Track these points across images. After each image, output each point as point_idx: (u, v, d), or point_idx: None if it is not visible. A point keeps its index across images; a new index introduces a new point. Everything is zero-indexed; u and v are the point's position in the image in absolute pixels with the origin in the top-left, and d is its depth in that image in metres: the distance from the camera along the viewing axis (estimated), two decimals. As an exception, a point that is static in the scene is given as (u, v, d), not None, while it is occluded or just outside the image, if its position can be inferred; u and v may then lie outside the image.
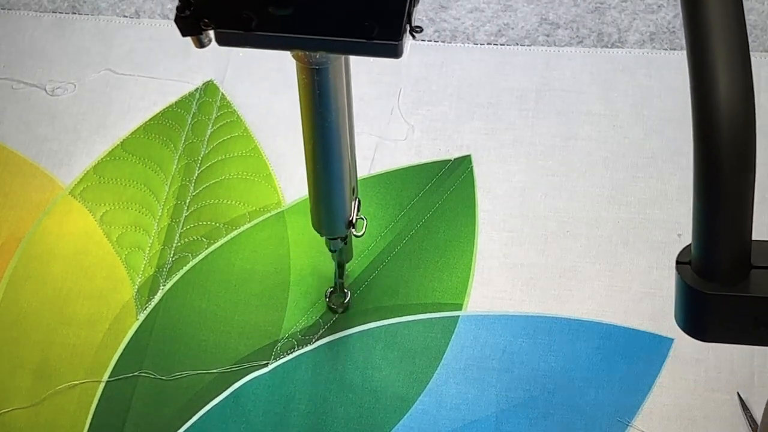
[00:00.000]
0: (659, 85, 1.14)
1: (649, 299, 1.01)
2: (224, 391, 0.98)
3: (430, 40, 1.19)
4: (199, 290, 1.04)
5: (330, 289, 1.01)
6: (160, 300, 1.04)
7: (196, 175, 1.11)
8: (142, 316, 1.03)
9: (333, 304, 1.01)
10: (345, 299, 1.01)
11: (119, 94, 1.18)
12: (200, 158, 1.12)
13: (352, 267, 1.04)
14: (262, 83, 1.17)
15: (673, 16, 1.18)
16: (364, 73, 1.15)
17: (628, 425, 0.94)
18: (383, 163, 1.10)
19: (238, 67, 1.18)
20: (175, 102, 1.16)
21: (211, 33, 0.72)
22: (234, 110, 1.15)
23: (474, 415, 0.95)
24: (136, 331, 1.02)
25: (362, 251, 1.05)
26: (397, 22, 0.68)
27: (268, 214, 1.08)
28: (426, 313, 1.01)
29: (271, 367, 0.99)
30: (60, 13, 1.24)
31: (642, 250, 1.04)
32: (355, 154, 0.88)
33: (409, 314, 1.01)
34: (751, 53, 0.54)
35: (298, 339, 1.00)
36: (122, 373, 0.99)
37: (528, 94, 1.14)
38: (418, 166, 1.10)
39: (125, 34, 1.22)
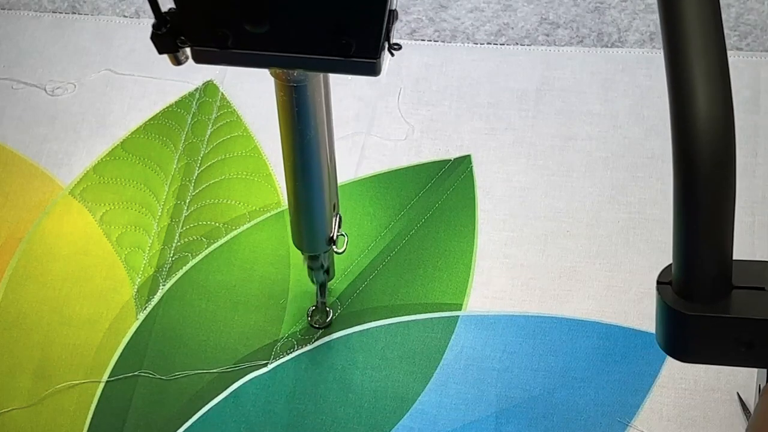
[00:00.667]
0: (659, 85, 1.14)
1: (649, 299, 1.01)
2: (224, 391, 0.98)
3: (430, 40, 1.19)
4: (199, 290, 1.04)
5: (312, 308, 1.01)
6: (160, 300, 1.04)
7: (196, 174, 1.11)
8: (142, 316, 1.03)
9: (315, 323, 1.01)
10: (327, 317, 1.01)
11: (119, 94, 1.18)
12: (200, 158, 1.12)
13: (352, 267, 1.04)
14: (262, 83, 1.17)
15: (673, 16, 1.18)
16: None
17: (627, 425, 0.94)
18: (383, 163, 1.11)
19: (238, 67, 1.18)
20: (175, 102, 1.16)
21: (188, 50, 0.71)
22: (234, 110, 1.15)
23: (474, 415, 0.95)
24: (135, 331, 1.02)
25: (362, 251, 1.05)
26: (374, 39, 0.68)
27: (268, 214, 1.08)
28: (426, 313, 1.01)
29: (270, 367, 0.99)
30: (60, 13, 1.24)
31: (642, 250, 1.04)
32: (335, 170, 0.88)
33: (409, 314, 1.01)
34: (751, 53, 0.54)
35: (297, 339, 1.00)
36: (122, 373, 0.99)
37: (528, 94, 1.14)
38: (418, 166, 1.10)
39: (125, 34, 1.22)
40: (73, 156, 1.14)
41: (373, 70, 0.69)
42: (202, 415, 0.97)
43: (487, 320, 1.00)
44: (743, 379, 0.96)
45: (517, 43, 1.18)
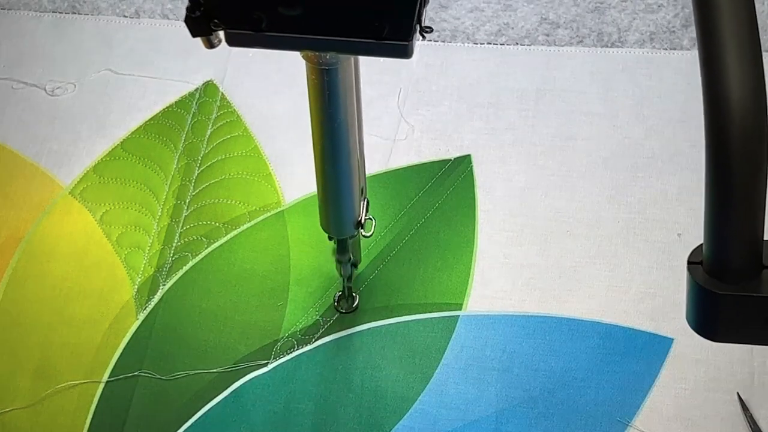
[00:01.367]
0: (659, 85, 1.14)
1: (649, 299, 1.01)
2: (224, 390, 0.98)
3: (430, 40, 1.19)
4: (199, 290, 1.04)
5: (339, 293, 1.01)
6: (160, 300, 1.04)
7: (195, 174, 1.11)
8: (142, 316, 1.03)
9: (342, 309, 1.01)
10: (354, 303, 1.01)
11: (119, 94, 1.18)
12: (200, 158, 1.12)
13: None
14: (262, 83, 1.17)
15: (673, 15, 1.18)
16: (364, 74, 1.15)
17: (627, 425, 0.94)
18: (383, 163, 1.11)
19: (238, 67, 1.18)
20: (175, 102, 1.16)
21: (221, 33, 0.71)
22: (234, 110, 1.15)
23: (474, 415, 0.95)
24: (135, 331, 1.02)
25: (362, 251, 1.05)
26: (407, 22, 0.68)
27: (268, 214, 1.08)
28: (426, 313, 1.01)
29: (270, 366, 0.99)
30: (60, 13, 1.24)
31: (642, 250, 1.04)
32: (363, 155, 0.88)
33: (409, 314, 1.01)
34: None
35: (298, 339, 1.00)
36: (122, 373, 0.99)
37: (528, 94, 1.14)
38: (418, 166, 1.10)
39: (125, 34, 1.22)
40: (73, 156, 1.13)
41: (405, 52, 0.69)
42: (202, 415, 0.97)
43: (487, 320, 1.00)
44: (743, 378, 0.96)
45: (517, 43, 1.18)
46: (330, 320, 1.01)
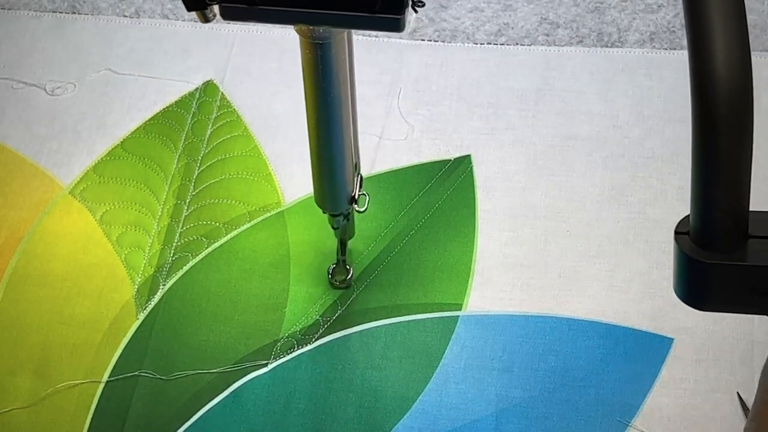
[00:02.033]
0: (659, 85, 1.14)
1: (649, 299, 1.01)
2: (224, 390, 0.98)
3: (430, 40, 1.19)
4: (199, 290, 1.04)
5: (333, 266, 1.02)
6: (160, 300, 1.04)
7: (195, 174, 1.11)
8: (142, 316, 1.03)
9: (336, 281, 1.02)
10: (347, 276, 1.02)
11: (119, 94, 1.18)
12: (200, 158, 1.12)
13: (353, 267, 1.04)
14: (262, 83, 1.17)
15: (673, 15, 1.18)
16: (364, 74, 1.15)
17: (627, 425, 0.94)
18: (383, 163, 1.10)
19: (238, 67, 1.19)
20: (175, 102, 1.16)
21: (216, 8, 0.72)
22: (234, 110, 1.15)
23: (474, 415, 0.95)
24: (135, 331, 1.02)
25: (362, 251, 1.05)
26: None
27: (268, 214, 1.08)
28: (426, 313, 1.01)
29: (270, 366, 0.99)
30: (60, 13, 1.24)
31: (642, 250, 1.04)
32: (357, 131, 0.88)
33: (409, 314, 1.01)
34: (751, 53, 0.54)
35: (297, 339, 1.00)
36: (122, 373, 0.99)
37: (528, 94, 1.14)
38: (418, 166, 1.10)
39: (125, 34, 1.22)
40: (73, 156, 1.13)
41: (397, 26, 0.69)
42: (202, 415, 0.97)
43: (487, 320, 1.00)
44: (743, 378, 0.96)
45: (517, 43, 1.18)
46: (330, 320, 1.01)
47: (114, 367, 1.00)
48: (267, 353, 1.00)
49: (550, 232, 1.05)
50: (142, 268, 1.05)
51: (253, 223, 1.08)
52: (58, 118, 1.16)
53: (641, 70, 1.15)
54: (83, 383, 0.99)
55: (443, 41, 1.19)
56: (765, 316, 0.98)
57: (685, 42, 1.20)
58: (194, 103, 1.16)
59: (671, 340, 0.98)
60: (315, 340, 1.00)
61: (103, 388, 0.99)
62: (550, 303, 1.01)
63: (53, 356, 1.01)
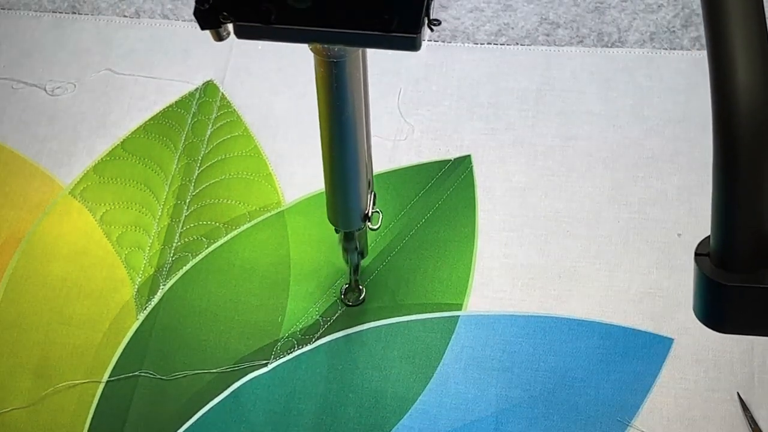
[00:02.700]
0: (659, 85, 1.14)
1: (649, 299, 1.01)
2: (224, 390, 0.98)
3: (430, 40, 1.19)
4: (199, 290, 1.04)
5: (345, 286, 1.02)
6: (160, 300, 1.04)
7: (196, 174, 1.11)
8: (142, 316, 1.03)
9: (348, 301, 1.02)
10: (360, 295, 1.02)
11: (119, 94, 1.18)
12: (200, 158, 1.12)
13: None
14: (262, 83, 1.17)
15: (673, 15, 1.18)
16: (364, 73, 1.15)
17: (627, 425, 0.94)
18: (383, 163, 1.10)
19: (238, 67, 1.18)
20: (175, 102, 1.16)
21: (230, 26, 0.72)
22: (234, 110, 1.15)
23: (474, 415, 0.95)
24: (136, 331, 1.02)
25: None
26: (415, 14, 0.69)
27: (268, 214, 1.08)
28: (426, 313, 1.01)
29: (270, 366, 0.99)
30: (60, 13, 1.24)
31: (642, 250, 1.04)
32: (371, 148, 0.88)
33: (409, 314, 1.01)
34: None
35: (298, 339, 1.00)
36: (122, 373, 0.99)
37: (528, 94, 1.14)
38: (418, 166, 1.10)
39: (125, 34, 1.22)
40: (73, 156, 1.13)
41: (413, 45, 0.69)
42: (202, 415, 0.97)
43: (487, 320, 1.00)
44: (743, 378, 0.96)
45: (517, 43, 1.18)
46: (330, 320, 1.01)
47: (114, 367, 1.00)
48: (267, 353, 1.00)
49: (550, 232, 1.05)
50: (142, 268, 1.05)
51: (253, 223, 1.08)
52: (58, 118, 1.16)
53: (641, 70, 1.15)
54: (83, 383, 0.99)
55: (443, 41, 1.19)
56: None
57: (685, 42, 1.21)
58: (194, 103, 1.16)
59: (671, 340, 0.98)
60: (315, 340, 1.00)
61: (103, 388, 0.99)
62: (550, 303, 1.01)
63: (53, 356, 1.01)
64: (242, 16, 0.70)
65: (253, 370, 0.99)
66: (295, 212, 1.08)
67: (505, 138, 1.12)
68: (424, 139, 1.12)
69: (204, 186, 1.10)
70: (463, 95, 1.15)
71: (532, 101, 1.14)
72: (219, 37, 0.72)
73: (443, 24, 1.20)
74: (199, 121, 1.15)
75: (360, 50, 0.78)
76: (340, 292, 1.02)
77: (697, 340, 0.98)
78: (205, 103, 1.16)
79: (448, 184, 1.09)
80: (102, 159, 1.13)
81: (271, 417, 0.96)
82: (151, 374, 0.99)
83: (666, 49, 1.16)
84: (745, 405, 0.94)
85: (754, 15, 0.53)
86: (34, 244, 1.08)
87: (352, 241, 0.94)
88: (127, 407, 0.98)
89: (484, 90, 1.15)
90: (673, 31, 1.17)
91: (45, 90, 1.19)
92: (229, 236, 1.07)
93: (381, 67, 1.16)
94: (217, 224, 1.08)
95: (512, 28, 1.19)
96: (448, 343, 0.99)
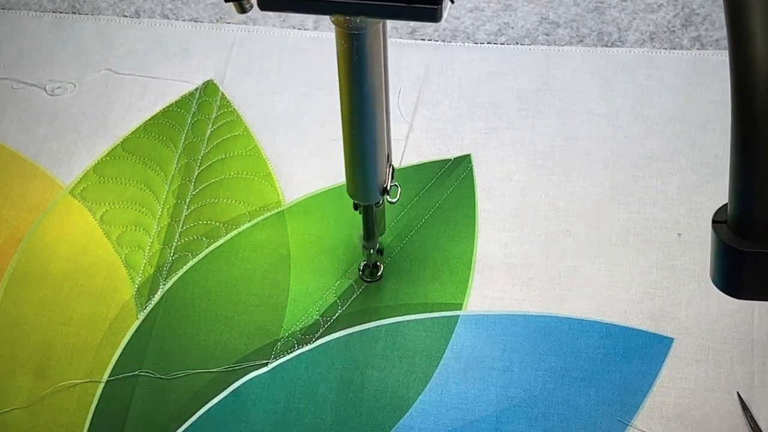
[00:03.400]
0: (659, 85, 1.14)
1: (649, 299, 1.01)
2: (224, 390, 0.98)
3: (430, 40, 1.19)
4: (199, 290, 1.04)
5: (363, 262, 1.03)
6: (160, 299, 1.04)
7: (196, 174, 1.11)
8: (142, 316, 1.03)
9: (367, 278, 1.03)
10: (379, 272, 1.03)
11: (119, 94, 1.18)
12: (200, 157, 1.12)
13: (353, 267, 1.04)
14: (262, 83, 1.17)
15: (673, 15, 1.18)
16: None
17: (627, 425, 0.94)
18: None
19: (238, 67, 1.18)
20: (175, 102, 1.16)
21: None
22: (234, 110, 1.15)
23: (474, 415, 0.95)
24: (136, 331, 1.02)
25: (362, 251, 1.05)
26: None
27: (268, 214, 1.08)
28: (426, 313, 1.01)
29: (270, 366, 0.99)
30: (60, 13, 1.24)
31: (642, 250, 1.04)
32: (390, 121, 0.89)
33: (409, 314, 1.01)
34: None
35: (298, 338, 1.00)
36: (122, 372, 0.99)
37: (528, 93, 1.14)
38: (418, 165, 1.10)
39: (125, 34, 1.22)
40: (73, 156, 1.13)
41: (434, 15, 0.70)
42: (202, 415, 0.97)
43: (487, 320, 1.00)
44: (743, 378, 0.96)
45: (517, 43, 1.18)
46: (330, 320, 1.01)
47: (114, 366, 1.00)
48: (267, 353, 1.00)
49: (550, 232, 1.05)
50: (142, 268, 1.05)
51: (253, 222, 1.08)
52: (58, 118, 1.16)
53: (641, 70, 1.15)
54: (83, 383, 0.99)
55: (443, 41, 1.19)
56: (765, 317, 0.99)
57: (684, 42, 1.21)
58: (194, 103, 1.16)
59: (671, 340, 0.98)
60: (315, 340, 1.00)
61: (103, 388, 0.99)
62: (550, 303, 1.01)
63: (53, 356, 1.01)
64: None
65: (253, 370, 0.99)
66: (295, 212, 1.08)
67: (505, 137, 1.12)
68: (424, 138, 1.12)
69: (204, 185, 1.10)
70: (463, 95, 1.15)
71: (532, 101, 1.14)
72: (242, 9, 0.73)
73: (443, 24, 1.20)
74: (199, 121, 1.15)
75: (381, 23, 0.78)
76: (358, 268, 1.03)
77: (697, 339, 0.98)
78: (205, 103, 1.16)
79: (448, 183, 1.09)
80: (102, 159, 1.13)
81: (271, 417, 0.96)
82: (151, 374, 0.99)
83: (666, 48, 1.16)
84: (745, 405, 0.94)
85: None
86: (34, 244, 1.08)
87: (371, 215, 0.95)
88: (127, 407, 0.98)
89: (484, 90, 1.15)
90: (673, 31, 1.17)
91: (45, 90, 1.19)
92: (229, 236, 1.07)
93: (381, 67, 1.16)
94: (217, 224, 1.08)
95: (512, 28, 1.19)
96: (448, 343, 0.99)
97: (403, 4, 0.69)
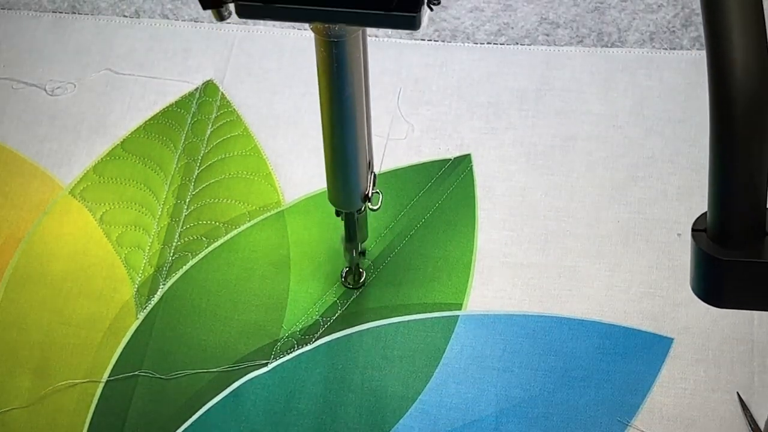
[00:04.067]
0: (659, 85, 1.14)
1: (649, 299, 1.01)
2: (224, 390, 0.98)
3: (430, 40, 1.19)
4: (199, 290, 1.04)
5: (346, 269, 1.02)
6: (160, 299, 1.04)
7: (195, 174, 1.11)
8: (141, 316, 1.03)
9: (349, 284, 1.02)
10: (361, 278, 1.02)
11: (119, 94, 1.18)
12: (200, 157, 1.12)
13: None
14: (262, 83, 1.17)
15: (672, 15, 1.18)
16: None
17: (627, 425, 0.94)
18: (383, 163, 1.10)
19: (238, 67, 1.19)
20: (175, 102, 1.16)
21: (232, 6, 0.72)
22: (234, 110, 1.15)
23: (474, 415, 0.95)
24: (135, 331, 1.02)
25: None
26: None
27: (268, 214, 1.08)
28: (426, 312, 1.01)
29: (270, 366, 0.99)
30: (60, 13, 1.24)
31: (642, 250, 1.04)
32: (371, 128, 0.89)
33: (409, 314, 1.01)
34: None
35: (297, 338, 1.00)
36: (122, 372, 0.99)
37: (528, 93, 1.14)
38: (418, 165, 1.10)
39: (125, 34, 1.22)
40: (73, 156, 1.13)
41: (412, 23, 0.70)
42: (202, 415, 0.97)
43: (487, 320, 1.00)
44: (743, 378, 0.96)
45: (517, 43, 1.18)
46: (330, 320, 1.01)
47: (114, 366, 1.00)
48: (267, 353, 1.00)
49: (550, 232, 1.05)
50: (142, 268, 1.05)
51: (253, 222, 1.08)
52: (58, 118, 1.16)
53: (641, 70, 1.15)
54: (83, 383, 0.99)
55: (443, 41, 1.19)
56: (766, 317, 0.99)
57: (684, 42, 1.21)
58: (194, 103, 1.16)
59: (671, 340, 0.98)
60: (315, 340, 1.00)
61: (103, 388, 0.99)
62: (550, 303, 1.01)
63: (53, 356, 1.01)
64: None
65: (253, 370, 0.99)
66: (295, 212, 1.08)
67: (505, 137, 1.12)
68: (424, 138, 1.12)
69: (204, 185, 1.10)
70: (463, 95, 1.15)
71: (532, 101, 1.14)
72: (220, 17, 0.73)
73: (443, 24, 1.20)
74: (199, 121, 1.15)
75: (360, 30, 0.78)
76: (341, 275, 1.02)
77: (697, 340, 0.98)
78: (205, 103, 1.16)
79: (448, 183, 1.09)
80: (102, 159, 1.13)
81: (271, 417, 0.96)
82: (150, 374, 0.99)
83: (666, 49, 1.16)
84: (745, 405, 0.94)
85: None
86: (34, 244, 1.08)
87: (353, 222, 0.95)
88: (126, 407, 0.98)
89: (484, 90, 1.15)
90: (673, 31, 1.17)
91: (45, 90, 1.19)
92: (229, 236, 1.07)
93: (381, 67, 1.16)
94: (217, 224, 1.08)
95: (512, 28, 1.19)
96: (448, 343, 0.99)
97: (382, 12, 0.69)
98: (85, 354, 1.01)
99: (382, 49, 1.18)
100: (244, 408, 0.97)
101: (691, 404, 0.95)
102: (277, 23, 1.21)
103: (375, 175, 0.92)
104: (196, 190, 1.10)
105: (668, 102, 1.12)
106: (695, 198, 1.06)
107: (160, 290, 1.04)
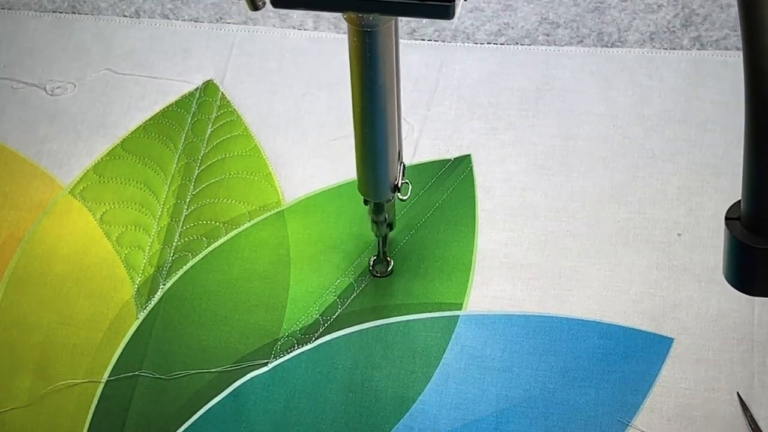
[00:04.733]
0: (659, 85, 1.14)
1: (649, 299, 1.01)
2: (224, 390, 0.98)
3: (430, 40, 1.19)
4: (199, 290, 1.04)
5: (374, 257, 1.03)
6: (160, 299, 1.04)
7: (195, 174, 1.11)
8: (142, 316, 1.03)
9: (377, 272, 1.03)
10: (388, 267, 1.03)
11: (119, 94, 1.18)
12: (200, 157, 1.12)
13: (353, 266, 1.04)
14: (262, 83, 1.17)
15: (673, 15, 1.18)
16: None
17: (627, 425, 0.94)
18: (383, 163, 1.10)
19: (238, 67, 1.19)
20: (175, 102, 1.16)
21: None
22: (234, 110, 1.15)
23: (474, 415, 0.95)
24: (135, 331, 1.02)
25: (362, 251, 1.05)
26: None
27: (268, 214, 1.08)
28: (426, 312, 1.01)
29: (270, 366, 0.99)
30: (60, 12, 1.24)
31: (642, 250, 1.04)
32: (401, 119, 0.89)
33: (409, 314, 1.01)
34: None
35: (297, 338, 1.00)
36: (122, 372, 0.99)
37: (528, 94, 1.14)
38: (417, 165, 1.10)
39: (125, 34, 1.22)
40: (73, 156, 1.13)
41: (447, 13, 0.70)
42: (202, 415, 0.97)
43: (487, 320, 1.00)
44: (743, 378, 0.96)
45: (517, 43, 1.18)
46: (330, 320, 1.01)
47: (114, 366, 1.00)
48: (267, 353, 1.00)
49: (550, 232, 1.05)
50: (142, 268, 1.05)
51: (253, 222, 1.08)
52: (58, 118, 1.16)
53: (641, 70, 1.15)
54: (83, 383, 0.99)
55: (443, 41, 1.19)
56: (766, 317, 0.99)
57: (685, 42, 1.21)
58: (194, 103, 1.16)
59: (671, 340, 0.98)
60: (315, 340, 1.00)
61: (103, 388, 0.99)
62: (550, 303, 1.01)
63: (53, 356, 1.01)
64: None
65: (253, 370, 0.99)
66: (295, 212, 1.08)
67: (505, 138, 1.12)
68: (424, 138, 1.12)
69: (204, 185, 1.10)
70: (463, 95, 1.15)
71: (532, 101, 1.14)
72: (255, 7, 0.73)
73: (443, 24, 1.20)
74: (199, 121, 1.15)
75: (393, 20, 0.78)
76: (369, 263, 1.03)
77: (697, 339, 0.98)
78: (205, 103, 1.16)
79: (448, 183, 1.09)
80: (102, 159, 1.13)
81: (271, 417, 0.96)
82: (150, 374, 0.99)
83: (666, 49, 1.16)
84: (745, 405, 0.94)
85: None
86: (34, 244, 1.08)
87: (381, 212, 0.95)
88: (126, 407, 0.98)
89: (484, 90, 1.15)
90: (673, 31, 1.17)
91: (45, 90, 1.19)
92: (229, 236, 1.07)
93: (381, 67, 1.16)
94: (217, 224, 1.08)
95: (512, 28, 1.19)
96: (447, 343, 0.99)
97: (416, 2, 0.69)
98: (85, 354, 1.01)
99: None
100: (244, 408, 0.97)
101: (691, 404, 0.95)
102: (277, 23, 1.21)
103: (404, 165, 0.92)
104: (196, 190, 1.10)
105: (668, 102, 1.12)
106: (695, 198, 1.06)
107: (160, 290, 1.04)
